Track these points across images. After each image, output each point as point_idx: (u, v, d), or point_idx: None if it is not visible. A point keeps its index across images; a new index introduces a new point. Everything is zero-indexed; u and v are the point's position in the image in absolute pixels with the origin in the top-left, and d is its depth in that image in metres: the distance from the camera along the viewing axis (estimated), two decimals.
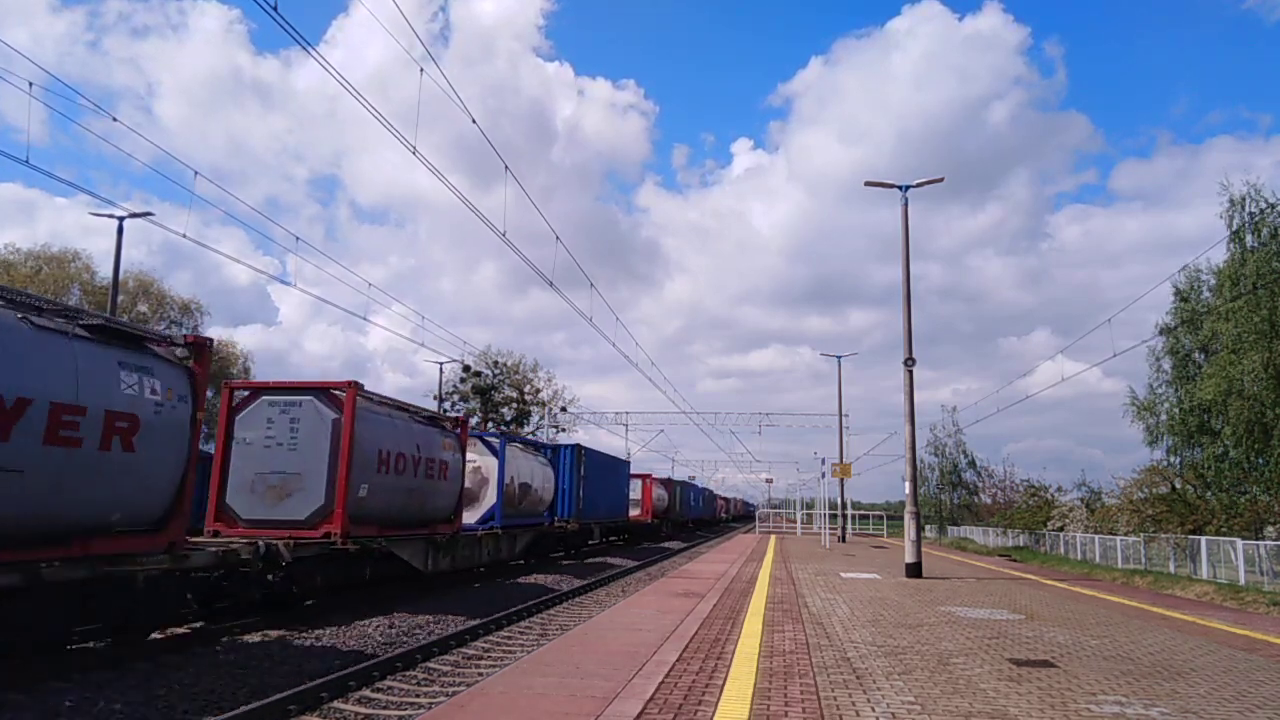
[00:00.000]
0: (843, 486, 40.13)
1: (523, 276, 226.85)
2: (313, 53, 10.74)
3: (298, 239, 21.54)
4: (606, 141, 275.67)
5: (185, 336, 10.92)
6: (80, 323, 9.15)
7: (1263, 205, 29.20)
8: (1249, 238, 29.84)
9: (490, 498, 21.43)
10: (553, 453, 28.04)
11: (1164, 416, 35.20)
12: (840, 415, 40.47)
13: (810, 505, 61.01)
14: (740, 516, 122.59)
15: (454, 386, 56.53)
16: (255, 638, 11.46)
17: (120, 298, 29.81)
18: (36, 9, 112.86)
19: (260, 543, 11.66)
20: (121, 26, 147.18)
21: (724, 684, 6.49)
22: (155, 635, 10.85)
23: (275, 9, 9.62)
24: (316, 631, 12.04)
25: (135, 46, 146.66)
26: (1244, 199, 29.78)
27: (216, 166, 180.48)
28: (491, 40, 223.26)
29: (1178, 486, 31.66)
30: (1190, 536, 25.43)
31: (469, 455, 21.03)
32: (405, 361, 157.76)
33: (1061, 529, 37.38)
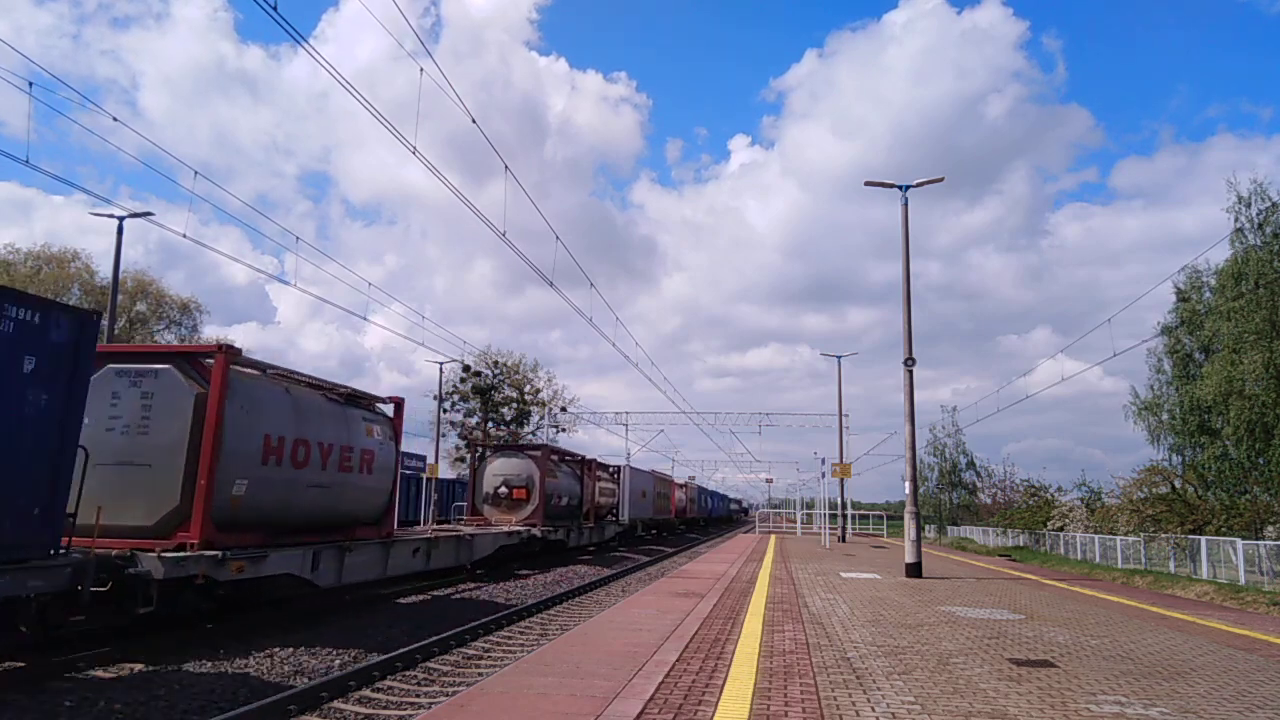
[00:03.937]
0: (843, 486, 40.10)
1: (518, 274, 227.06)
2: (313, 53, 10.74)
3: (297, 239, 21.54)
4: (599, 135, 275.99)
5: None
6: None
7: (1268, 204, 29.16)
8: (1251, 236, 29.84)
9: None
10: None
11: (1165, 416, 35.22)
12: (840, 415, 40.44)
13: (810, 505, 61.02)
14: (715, 519, 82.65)
15: (454, 386, 56.52)
16: (256, 637, 11.46)
17: (119, 298, 29.82)
18: (19, 1, 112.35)
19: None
20: (102, 16, 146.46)
21: (724, 684, 6.48)
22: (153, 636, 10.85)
23: (275, 8, 9.62)
24: (316, 632, 12.05)
25: (117, 38, 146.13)
26: (1250, 196, 29.75)
27: (203, 161, 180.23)
28: (482, 34, 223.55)
29: (1178, 486, 31.68)
30: (1190, 536, 25.45)
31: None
32: (403, 360, 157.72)
33: (1061, 529, 37.41)
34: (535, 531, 23.61)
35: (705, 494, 78.25)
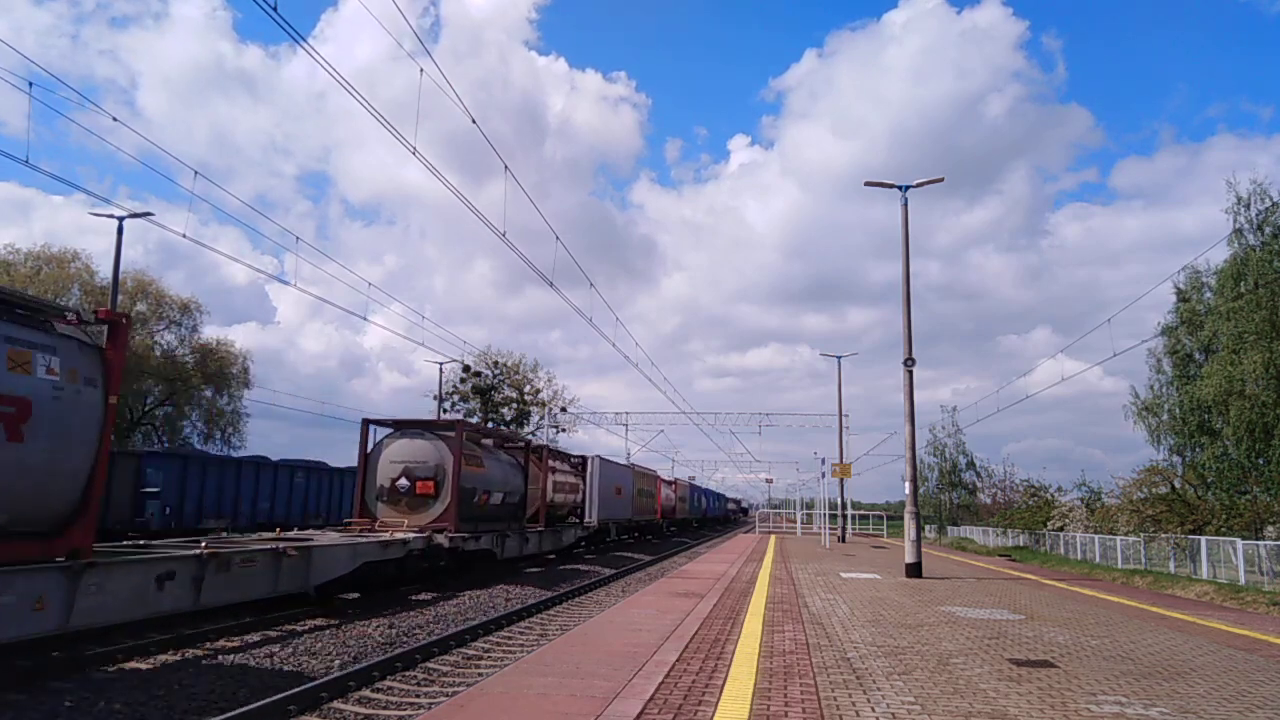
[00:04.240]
0: (842, 486, 40.14)
1: (518, 274, 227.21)
2: (314, 54, 10.74)
3: (297, 239, 21.54)
4: (598, 135, 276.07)
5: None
6: None
7: (1268, 204, 29.19)
8: (1250, 236, 29.86)
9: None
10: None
11: (1165, 417, 35.23)
12: (840, 415, 40.48)
13: (810, 505, 61.06)
14: (710, 520, 75.52)
15: (454, 386, 56.58)
16: (255, 637, 11.47)
17: (119, 298, 29.85)
18: (17, 0, 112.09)
19: None
20: (100, 16, 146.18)
21: (724, 684, 6.48)
22: (158, 635, 10.84)
23: (275, 9, 9.62)
24: (316, 632, 12.05)
25: (115, 37, 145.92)
26: (1250, 197, 29.78)
27: (202, 161, 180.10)
28: (482, 34, 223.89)
29: (1178, 486, 31.69)
30: (1190, 536, 25.45)
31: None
32: (402, 360, 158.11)
33: (1061, 529, 37.42)
34: (442, 539, 17.37)
35: (699, 492, 70.69)
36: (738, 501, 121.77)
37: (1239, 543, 22.29)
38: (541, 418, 58.31)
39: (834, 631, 9.35)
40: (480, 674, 9.92)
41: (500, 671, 7.30)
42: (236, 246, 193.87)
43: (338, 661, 10.23)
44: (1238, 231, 29.80)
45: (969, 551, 40.34)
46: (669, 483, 53.68)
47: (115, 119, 15.72)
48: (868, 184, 20.35)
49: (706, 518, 73.61)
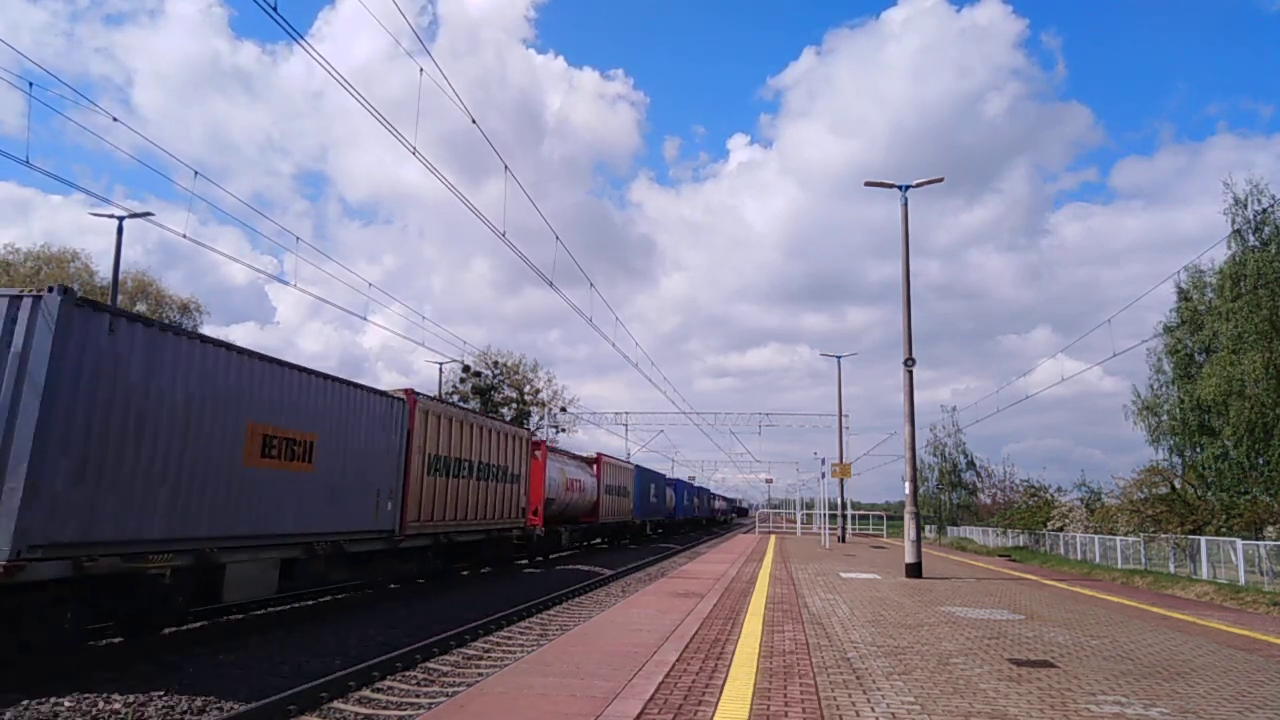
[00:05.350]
0: (842, 486, 40.12)
1: (516, 273, 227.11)
2: (313, 53, 10.73)
3: (298, 239, 21.55)
4: (596, 134, 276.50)
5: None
6: None
7: (1266, 204, 29.22)
8: (1250, 237, 29.87)
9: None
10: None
11: (1165, 417, 35.23)
12: (840, 415, 40.47)
13: (810, 505, 61.00)
14: (682, 525, 55.70)
15: (454, 386, 56.58)
16: (256, 638, 11.46)
17: (119, 298, 29.84)
18: None
19: None
20: (95, 13, 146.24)
21: (724, 684, 6.48)
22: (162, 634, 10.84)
23: (275, 9, 9.61)
24: (316, 632, 12.04)
25: (110, 35, 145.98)
26: (1247, 198, 29.82)
27: (198, 159, 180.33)
28: (479, 33, 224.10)
29: (1178, 486, 31.70)
30: (1190, 536, 25.46)
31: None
32: (401, 360, 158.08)
33: (1061, 529, 37.43)
34: None
35: (659, 483, 47.35)
36: (732, 500, 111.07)
37: (1239, 543, 22.29)
38: (541, 418, 58.33)
39: (834, 631, 9.34)
40: (480, 674, 9.92)
41: (500, 671, 7.30)
42: (235, 246, 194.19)
43: (338, 661, 10.23)
44: (1236, 232, 29.82)
45: (969, 551, 40.33)
46: (585, 461, 32.47)
47: (115, 119, 15.71)
48: (867, 184, 20.35)
49: (676, 521, 52.75)
